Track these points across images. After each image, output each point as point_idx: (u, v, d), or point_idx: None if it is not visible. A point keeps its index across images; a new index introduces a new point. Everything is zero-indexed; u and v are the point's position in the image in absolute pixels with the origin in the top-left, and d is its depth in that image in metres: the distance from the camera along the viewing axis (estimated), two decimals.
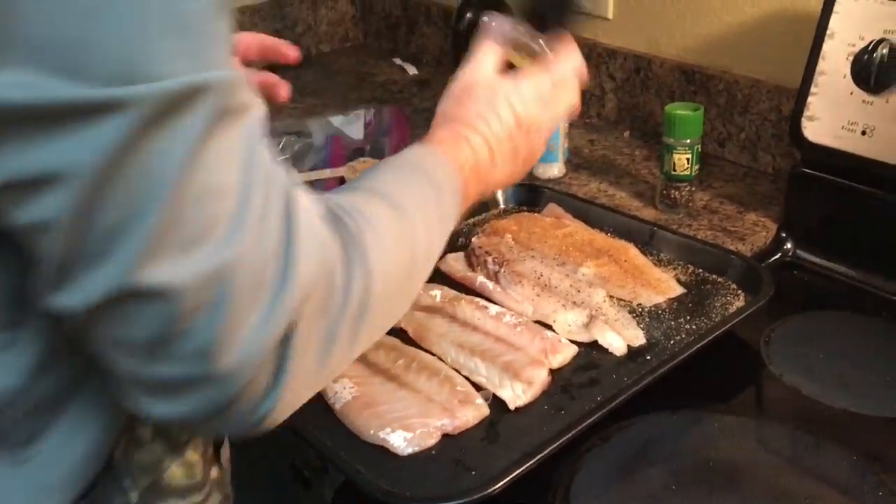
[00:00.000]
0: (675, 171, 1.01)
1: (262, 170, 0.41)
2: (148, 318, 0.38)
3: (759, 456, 0.69)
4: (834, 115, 0.90)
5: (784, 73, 1.08)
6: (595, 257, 0.91)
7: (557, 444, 0.64)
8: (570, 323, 0.81)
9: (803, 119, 0.93)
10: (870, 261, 0.91)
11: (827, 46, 0.90)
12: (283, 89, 0.75)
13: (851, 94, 0.88)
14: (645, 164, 1.19)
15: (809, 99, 0.92)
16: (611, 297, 0.85)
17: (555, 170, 1.15)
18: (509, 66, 0.67)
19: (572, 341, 0.78)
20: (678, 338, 0.79)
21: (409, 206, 0.52)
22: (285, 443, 0.86)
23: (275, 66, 0.86)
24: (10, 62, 0.34)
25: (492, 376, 0.73)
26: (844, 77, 0.89)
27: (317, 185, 1.14)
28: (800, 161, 0.97)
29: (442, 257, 0.93)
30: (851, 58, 0.88)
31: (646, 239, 0.95)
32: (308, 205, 0.44)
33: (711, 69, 1.17)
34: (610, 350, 0.77)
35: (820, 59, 0.91)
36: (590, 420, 0.67)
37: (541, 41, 0.68)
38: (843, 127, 0.89)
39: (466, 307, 0.82)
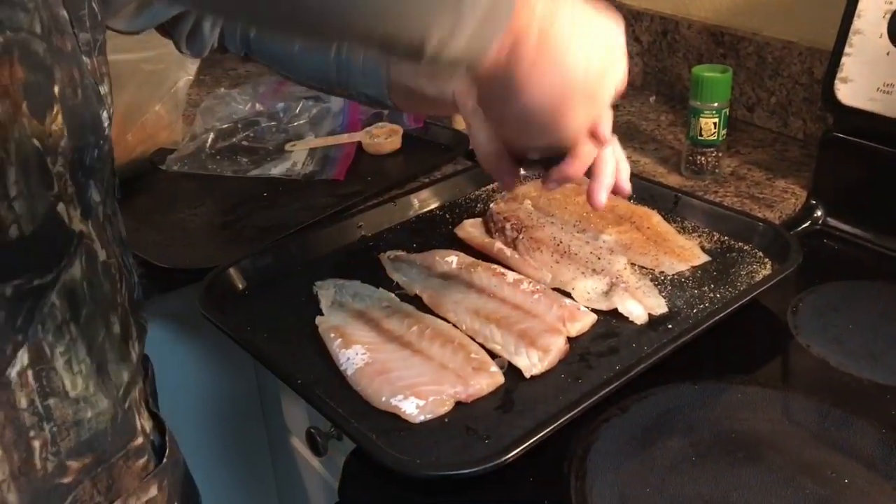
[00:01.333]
0: (701, 135, 0.98)
1: None
2: None
3: (784, 428, 0.66)
4: (869, 77, 0.86)
5: (817, 35, 1.04)
6: (617, 224, 0.88)
7: (574, 413, 0.62)
8: (589, 290, 0.78)
9: (837, 81, 0.89)
10: None
11: (863, 4, 0.86)
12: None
13: (888, 54, 0.84)
14: (671, 129, 1.15)
15: (843, 60, 0.88)
16: (632, 264, 0.83)
17: None
18: None
19: (592, 309, 0.76)
20: (701, 306, 0.76)
21: None
22: (300, 408, 0.86)
23: None
24: None
25: (507, 344, 0.71)
26: (881, 37, 0.85)
27: (334, 150, 1.13)
28: (832, 125, 0.93)
29: (459, 223, 0.92)
30: (888, 16, 0.83)
31: (670, 206, 0.92)
32: None
33: (741, 31, 1.13)
34: (630, 318, 0.75)
35: (855, 18, 0.87)
36: (608, 389, 0.65)
37: None
38: (878, 89, 0.86)
39: (483, 274, 0.80)
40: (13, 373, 0.48)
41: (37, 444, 0.51)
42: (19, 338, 0.48)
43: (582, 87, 0.50)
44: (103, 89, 0.55)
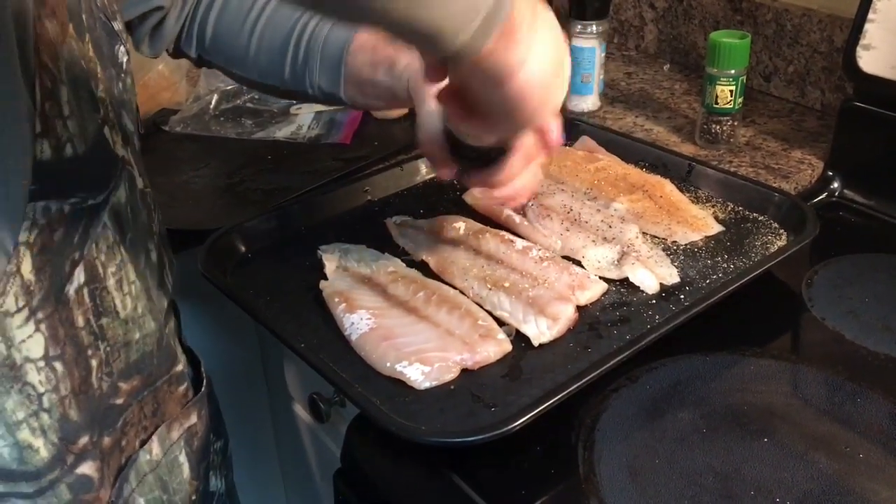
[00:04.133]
0: (717, 103, 0.96)
1: None
2: None
3: (797, 402, 0.65)
4: (893, 44, 0.84)
5: (837, 2, 1.01)
6: (629, 192, 0.86)
7: (582, 382, 0.61)
8: (599, 259, 0.76)
9: (858, 48, 0.86)
10: None
11: None
12: None
13: None
14: (685, 98, 1.13)
15: (866, 26, 0.86)
16: (644, 233, 0.81)
17: (588, 103, 1.10)
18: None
19: (602, 278, 0.74)
20: (714, 277, 0.75)
21: None
22: (303, 374, 0.84)
23: None
24: None
25: (515, 311, 0.69)
26: None
27: (340, 114, 1.10)
28: (852, 94, 0.91)
29: (467, 190, 0.90)
30: None
31: (683, 175, 0.90)
32: None
33: None
34: (641, 288, 0.73)
35: None
36: (618, 359, 0.63)
37: None
38: None
39: (491, 240, 0.78)
40: (71, 290, 0.50)
41: (94, 363, 0.53)
42: (76, 255, 0.50)
43: (559, 62, 0.51)
44: (117, 25, 0.57)
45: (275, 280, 0.77)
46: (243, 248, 0.82)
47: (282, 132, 1.07)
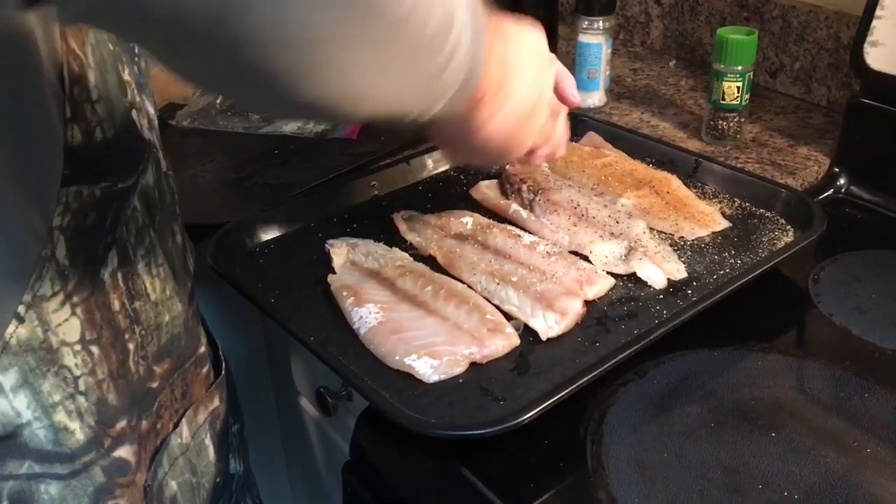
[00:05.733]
0: (723, 100, 0.96)
1: None
2: None
3: (804, 397, 0.65)
4: None
5: None
6: (635, 188, 0.87)
7: (591, 376, 0.61)
8: (607, 254, 0.77)
9: (866, 45, 0.86)
10: None
11: None
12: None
13: None
14: (691, 94, 1.13)
15: (874, 23, 0.86)
16: (651, 229, 0.81)
17: (595, 98, 1.10)
18: None
19: (610, 273, 0.74)
20: (721, 273, 0.75)
21: None
22: (310, 368, 0.85)
23: None
24: None
25: (523, 306, 0.70)
26: None
27: None
28: (859, 91, 0.91)
29: (474, 184, 0.90)
30: None
31: (690, 170, 0.90)
32: None
33: None
34: (649, 283, 0.73)
35: None
36: (626, 353, 0.63)
37: None
38: None
39: (499, 235, 0.79)
40: (106, 273, 0.51)
41: (131, 346, 0.53)
42: (108, 239, 0.51)
43: (529, 113, 0.57)
44: None
45: (283, 274, 0.77)
46: (251, 243, 0.82)
47: (289, 127, 1.07)
